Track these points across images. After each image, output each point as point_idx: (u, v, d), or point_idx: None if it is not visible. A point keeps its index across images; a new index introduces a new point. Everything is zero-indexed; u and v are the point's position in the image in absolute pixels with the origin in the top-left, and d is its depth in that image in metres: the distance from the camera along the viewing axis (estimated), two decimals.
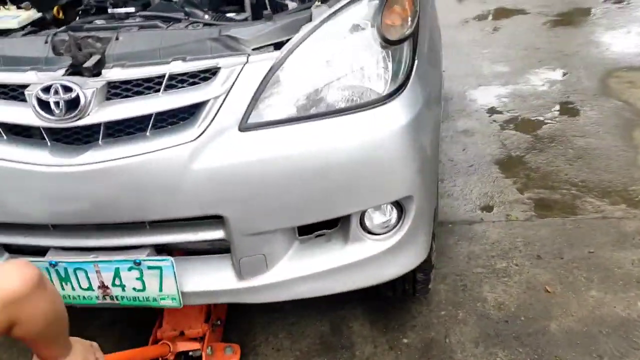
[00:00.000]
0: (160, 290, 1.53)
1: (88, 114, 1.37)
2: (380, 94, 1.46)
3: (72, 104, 1.35)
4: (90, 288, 1.54)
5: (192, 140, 1.37)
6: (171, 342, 1.79)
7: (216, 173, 1.39)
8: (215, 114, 1.39)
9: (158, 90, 1.40)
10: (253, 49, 1.44)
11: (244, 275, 1.55)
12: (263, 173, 1.40)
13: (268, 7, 1.69)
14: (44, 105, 1.36)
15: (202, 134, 1.38)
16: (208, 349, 1.84)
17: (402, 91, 1.48)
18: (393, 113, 1.45)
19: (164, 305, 1.57)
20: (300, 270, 1.57)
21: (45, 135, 1.40)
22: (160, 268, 1.50)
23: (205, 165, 1.38)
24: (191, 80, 1.41)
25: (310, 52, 1.43)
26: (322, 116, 1.43)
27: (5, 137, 1.44)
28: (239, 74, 1.39)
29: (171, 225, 1.50)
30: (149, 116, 1.39)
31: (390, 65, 1.48)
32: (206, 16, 1.65)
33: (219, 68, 1.40)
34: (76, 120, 1.37)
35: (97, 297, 1.56)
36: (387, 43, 1.46)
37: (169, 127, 1.41)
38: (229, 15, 1.74)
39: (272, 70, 1.40)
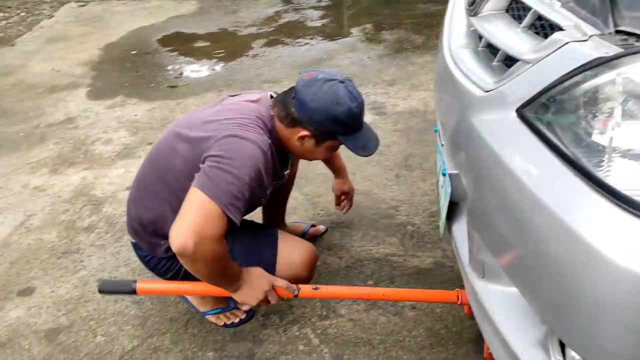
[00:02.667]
0: (441, 208, 1.54)
1: (477, 15, 1.34)
2: None
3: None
4: (438, 172, 1.69)
5: (484, 90, 1.18)
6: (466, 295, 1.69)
7: (473, 138, 1.18)
8: (511, 79, 1.10)
9: (532, 26, 1.18)
10: (617, 31, 0.94)
11: (470, 261, 1.35)
12: (493, 173, 1.09)
13: None
14: None
15: (491, 90, 1.15)
16: None
17: None
18: None
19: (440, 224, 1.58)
20: (500, 315, 1.22)
21: None
22: (447, 189, 1.49)
23: (475, 122, 1.18)
24: (546, 31, 1.10)
25: None
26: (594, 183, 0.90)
27: None
28: (556, 49, 0.99)
29: None
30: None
31: None
32: None
33: (561, 30, 1.03)
34: (472, 15, 1.37)
35: (437, 182, 1.70)
36: None
37: (505, 68, 1.22)
38: None
39: (584, 67, 0.92)
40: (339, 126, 1.53)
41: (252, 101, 1.59)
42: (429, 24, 4.53)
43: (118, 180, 2.86)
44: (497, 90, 1.12)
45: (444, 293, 1.74)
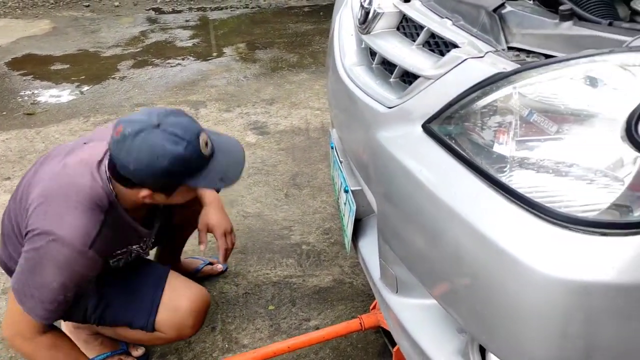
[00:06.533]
0: (346, 226, 1.53)
1: (369, 33, 1.35)
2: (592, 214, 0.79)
3: (365, 18, 1.36)
4: (338, 190, 1.68)
5: (387, 107, 1.18)
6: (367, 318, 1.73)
7: (380, 154, 1.18)
8: (414, 95, 1.11)
9: (426, 43, 1.21)
10: (509, 47, 0.99)
11: (381, 277, 1.34)
12: (404, 187, 1.09)
13: None
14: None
15: (394, 107, 1.16)
16: None
17: (630, 234, 0.76)
18: (582, 254, 0.79)
19: (344, 241, 1.57)
20: (417, 328, 1.22)
21: None
22: (351, 206, 1.48)
23: (381, 138, 1.18)
24: (441, 48, 1.14)
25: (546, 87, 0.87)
26: (499, 188, 0.92)
27: None
28: (456, 65, 1.03)
29: None
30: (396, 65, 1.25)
31: (629, 178, 0.74)
32: None
33: (456, 47, 1.06)
34: (364, 33, 1.38)
35: (337, 198, 1.70)
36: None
37: (403, 84, 1.24)
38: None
39: (484, 83, 0.95)
40: (176, 177, 1.27)
41: (87, 165, 1.35)
42: (301, 43, 4.61)
43: None
44: (400, 107, 1.14)
45: (346, 325, 1.72)
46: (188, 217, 1.82)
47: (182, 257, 2.17)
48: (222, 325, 1.95)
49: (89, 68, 4.25)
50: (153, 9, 5.69)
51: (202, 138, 1.27)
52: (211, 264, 2.17)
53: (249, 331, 1.94)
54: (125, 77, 4.06)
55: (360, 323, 1.70)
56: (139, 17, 5.43)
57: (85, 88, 3.90)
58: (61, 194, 1.30)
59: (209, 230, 1.71)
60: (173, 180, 1.28)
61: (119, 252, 1.47)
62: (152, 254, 2.01)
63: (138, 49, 4.60)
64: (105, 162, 1.34)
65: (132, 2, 5.89)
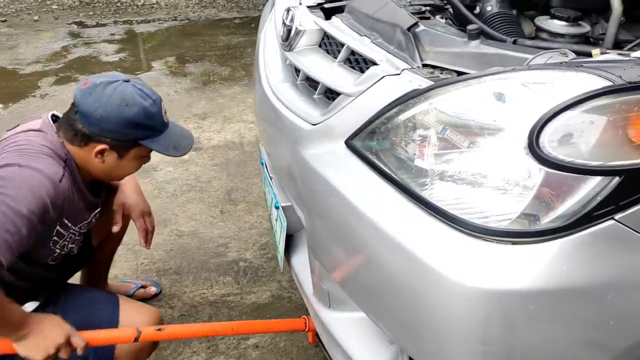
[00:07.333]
0: (278, 242, 1.53)
1: (292, 50, 1.36)
2: (502, 224, 0.83)
3: (287, 35, 1.37)
4: (269, 206, 1.67)
5: (311, 124, 1.19)
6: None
7: (306, 171, 1.19)
8: (336, 112, 1.13)
9: (347, 60, 1.23)
10: (424, 65, 1.02)
11: (314, 292, 1.35)
12: (330, 204, 1.10)
13: None
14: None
15: (317, 124, 1.17)
16: None
17: (538, 242, 0.80)
18: (495, 263, 0.83)
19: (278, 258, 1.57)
20: (349, 341, 1.23)
21: None
22: (282, 222, 1.48)
23: (306, 155, 1.19)
24: (361, 65, 1.16)
25: (455, 102, 0.91)
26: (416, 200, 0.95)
27: None
28: (375, 83, 1.05)
29: None
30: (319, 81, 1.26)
31: (534, 188, 0.78)
32: (490, 7, 1.18)
33: (374, 64, 1.09)
34: (287, 50, 1.39)
35: (270, 215, 1.68)
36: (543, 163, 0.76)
37: (326, 100, 1.25)
38: (556, 22, 1.18)
39: (401, 100, 0.98)
40: (138, 130, 1.33)
41: (34, 130, 1.35)
42: (233, 56, 4.57)
43: None
44: (324, 123, 1.15)
45: (292, 321, 1.74)
46: (105, 235, 1.76)
47: (115, 281, 2.10)
48: (157, 350, 1.89)
49: (6, 86, 4.04)
50: (75, 23, 5.48)
51: (163, 105, 1.38)
52: (144, 287, 2.11)
53: (185, 355, 1.89)
54: (47, 94, 3.89)
55: (305, 323, 1.68)
56: (60, 32, 5.21)
57: (5, 107, 3.70)
58: (22, 147, 1.28)
59: (124, 211, 1.65)
60: (133, 134, 1.33)
61: (65, 222, 1.37)
62: (76, 278, 1.93)
63: (60, 65, 4.42)
64: (50, 128, 1.35)
65: (53, 16, 5.64)
